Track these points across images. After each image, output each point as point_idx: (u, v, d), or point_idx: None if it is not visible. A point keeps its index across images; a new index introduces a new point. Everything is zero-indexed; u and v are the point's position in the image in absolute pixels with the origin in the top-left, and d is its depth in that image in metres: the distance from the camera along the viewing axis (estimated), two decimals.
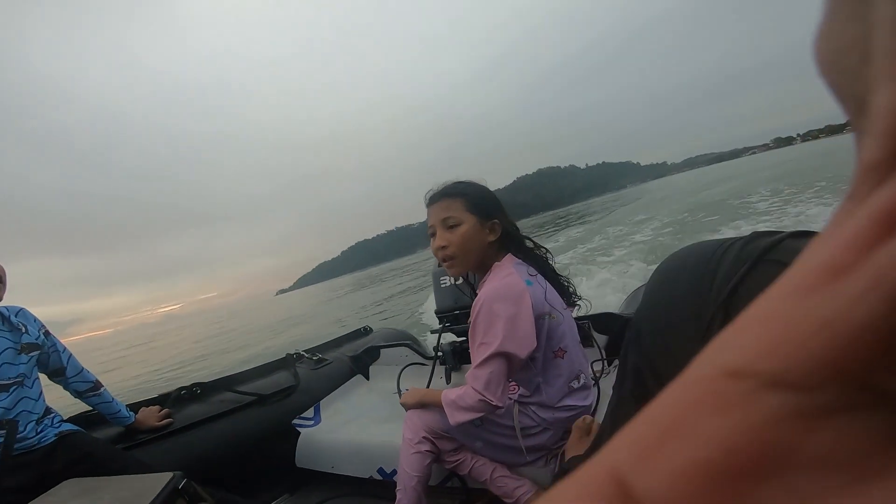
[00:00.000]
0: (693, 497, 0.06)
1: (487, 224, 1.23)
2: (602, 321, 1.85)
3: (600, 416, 1.36)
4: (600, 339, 1.83)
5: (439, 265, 1.90)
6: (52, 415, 1.34)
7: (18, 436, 1.20)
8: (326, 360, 2.26)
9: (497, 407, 1.13)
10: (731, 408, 0.07)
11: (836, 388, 0.06)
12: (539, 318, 1.16)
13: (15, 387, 1.24)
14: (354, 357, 2.32)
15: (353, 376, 2.22)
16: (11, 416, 1.20)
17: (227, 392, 1.81)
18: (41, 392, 1.33)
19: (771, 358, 0.07)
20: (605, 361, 1.73)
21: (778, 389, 0.07)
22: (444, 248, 1.23)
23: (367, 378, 2.24)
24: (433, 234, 1.26)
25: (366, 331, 2.77)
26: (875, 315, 0.06)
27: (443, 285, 2.02)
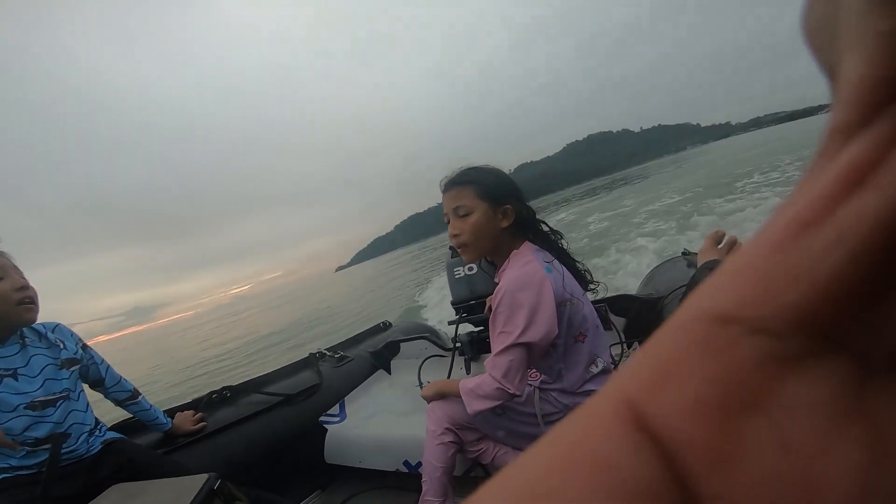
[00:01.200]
0: (701, 427, 0.07)
1: (500, 210, 1.22)
2: (619, 303, 1.84)
3: None
4: (618, 321, 1.82)
5: (452, 255, 1.91)
6: (101, 425, 1.40)
7: (70, 447, 1.26)
8: (348, 357, 2.30)
9: (514, 395, 1.13)
10: (722, 351, 0.08)
11: (805, 336, 0.07)
12: (560, 305, 1.15)
13: (61, 401, 1.29)
14: (375, 352, 2.36)
15: (374, 371, 2.26)
16: (63, 430, 1.26)
17: (254, 394, 1.87)
18: (88, 404, 1.38)
19: (753, 306, 0.08)
20: (625, 344, 1.73)
21: (760, 335, 0.07)
22: (456, 236, 1.23)
23: (389, 372, 2.28)
24: (446, 222, 1.26)
25: (385, 326, 2.81)
26: (838, 270, 0.07)
27: (457, 276, 2.03)
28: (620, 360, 1.63)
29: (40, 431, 1.22)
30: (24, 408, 1.22)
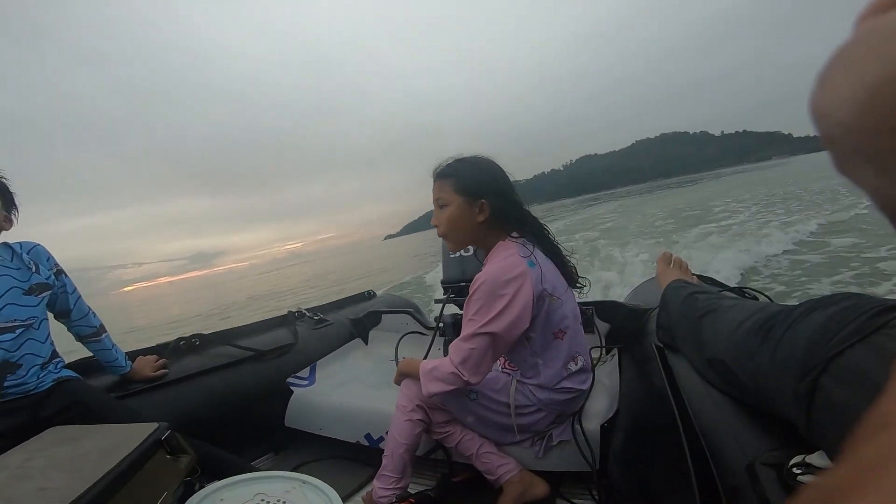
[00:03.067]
0: None
1: (476, 204, 1.24)
2: (606, 309, 1.81)
3: (593, 401, 1.35)
4: (602, 326, 1.79)
5: None
6: (58, 360, 1.31)
7: (18, 380, 1.17)
8: (327, 320, 2.25)
9: (468, 383, 1.15)
10: None
11: None
12: (539, 300, 1.17)
13: (21, 328, 1.20)
14: (355, 320, 2.32)
15: (351, 339, 2.22)
16: (15, 360, 1.18)
17: (225, 346, 1.81)
18: (48, 335, 1.30)
19: None
20: (604, 349, 1.70)
21: None
22: (437, 227, 1.29)
23: (366, 342, 2.25)
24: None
25: (369, 295, 2.76)
26: None
27: (451, 256, 1.99)
28: (598, 363, 1.60)
29: None
30: None
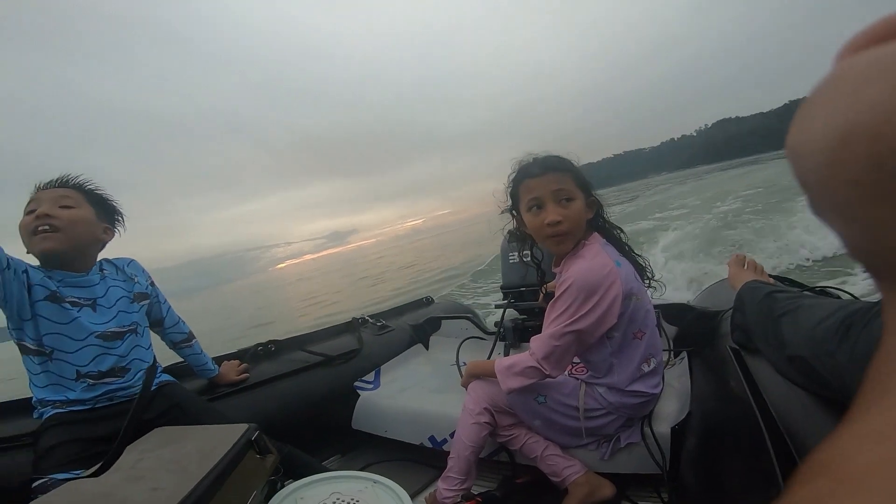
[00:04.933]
0: None
1: (587, 202, 1.22)
2: (674, 311, 1.76)
3: (662, 404, 1.33)
4: (670, 329, 1.74)
5: (509, 240, 1.85)
6: (158, 365, 1.39)
7: (126, 384, 1.27)
8: (389, 327, 2.32)
9: (548, 376, 1.16)
10: None
11: None
12: (626, 298, 1.15)
13: (129, 334, 1.30)
14: (416, 326, 2.37)
15: (413, 345, 2.28)
16: (125, 364, 1.28)
17: (298, 351, 1.93)
18: (150, 342, 1.40)
19: None
20: (672, 353, 1.66)
21: None
22: (558, 223, 1.18)
23: (427, 348, 2.30)
24: (537, 207, 1.21)
25: (427, 301, 2.82)
26: None
27: (511, 261, 2.01)
28: (666, 366, 1.56)
29: (104, 364, 1.24)
30: (96, 337, 1.24)
